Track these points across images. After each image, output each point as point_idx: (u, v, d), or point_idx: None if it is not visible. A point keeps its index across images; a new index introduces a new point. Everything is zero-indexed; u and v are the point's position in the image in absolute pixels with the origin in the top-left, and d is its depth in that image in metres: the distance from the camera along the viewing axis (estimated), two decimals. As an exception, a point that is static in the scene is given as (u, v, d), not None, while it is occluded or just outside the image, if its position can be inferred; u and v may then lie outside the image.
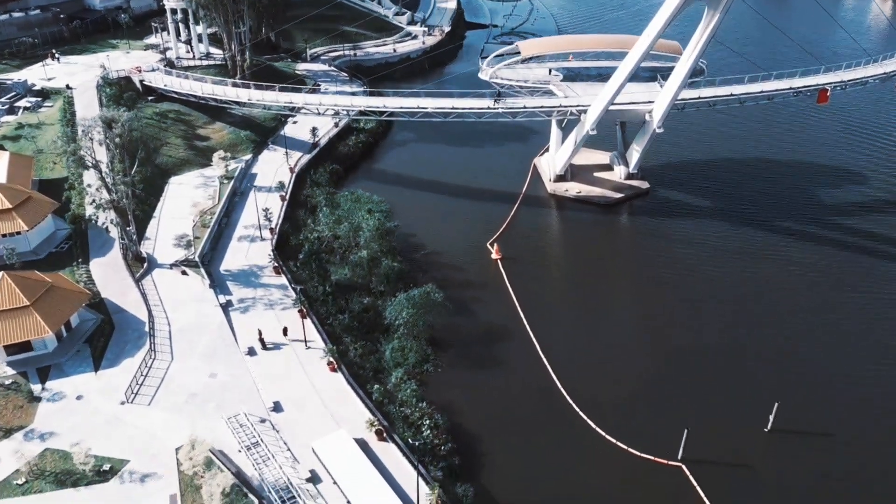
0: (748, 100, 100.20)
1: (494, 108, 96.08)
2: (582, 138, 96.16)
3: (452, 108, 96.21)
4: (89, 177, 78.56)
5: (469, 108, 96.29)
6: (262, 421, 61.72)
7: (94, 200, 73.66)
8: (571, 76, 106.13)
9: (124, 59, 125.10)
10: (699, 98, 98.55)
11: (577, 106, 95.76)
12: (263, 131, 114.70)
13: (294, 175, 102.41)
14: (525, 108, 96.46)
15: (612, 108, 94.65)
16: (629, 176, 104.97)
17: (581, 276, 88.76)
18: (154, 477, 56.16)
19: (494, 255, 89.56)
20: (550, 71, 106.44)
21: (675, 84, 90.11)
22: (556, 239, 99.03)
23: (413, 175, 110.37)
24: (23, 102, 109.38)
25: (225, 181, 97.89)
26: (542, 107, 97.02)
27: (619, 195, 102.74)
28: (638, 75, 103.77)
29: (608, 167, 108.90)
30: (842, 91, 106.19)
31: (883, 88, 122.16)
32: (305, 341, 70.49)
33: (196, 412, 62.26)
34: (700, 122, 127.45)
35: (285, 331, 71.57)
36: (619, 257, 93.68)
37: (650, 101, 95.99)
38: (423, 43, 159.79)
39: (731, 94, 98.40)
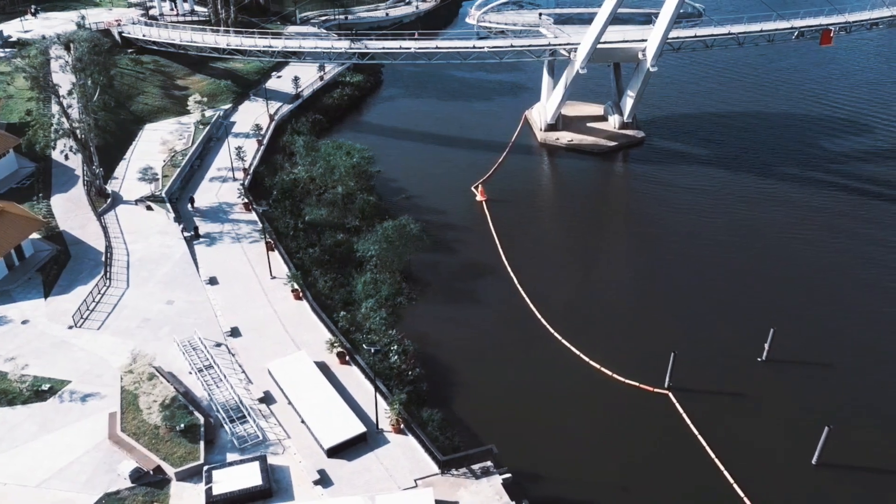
0: (747, 40, 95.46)
1: (480, 49, 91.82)
2: (572, 79, 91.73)
3: (436, 49, 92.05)
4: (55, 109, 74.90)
5: (453, 48, 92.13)
6: (218, 345, 57.74)
7: (51, 125, 69.72)
8: (563, 20, 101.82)
9: (106, 15, 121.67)
10: (695, 37, 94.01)
11: (567, 45, 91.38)
12: (245, 83, 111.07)
13: (274, 123, 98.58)
14: (512, 46, 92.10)
15: (604, 46, 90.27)
16: (623, 125, 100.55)
17: (568, 218, 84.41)
18: (96, 397, 52.24)
19: (479, 198, 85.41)
20: (541, 15, 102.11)
21: (667, 17, 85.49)
22: (544, 184, 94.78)
23: (400, 127, 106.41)
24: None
25: (201, 126, 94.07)
26: (530, 46, 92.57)
27: (612, 143, 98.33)
28: (633, 19, 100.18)
29: (602, 118, 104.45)
30: (846, 35, 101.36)
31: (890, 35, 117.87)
32: (270, 271, 66.43)
33: (148, 336, 58.36)
34: (697, 74, 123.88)
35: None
36: (609, 201, 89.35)
37: (643, 40, 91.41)
38: (417, 8, 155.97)
39: (729, 33, 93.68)
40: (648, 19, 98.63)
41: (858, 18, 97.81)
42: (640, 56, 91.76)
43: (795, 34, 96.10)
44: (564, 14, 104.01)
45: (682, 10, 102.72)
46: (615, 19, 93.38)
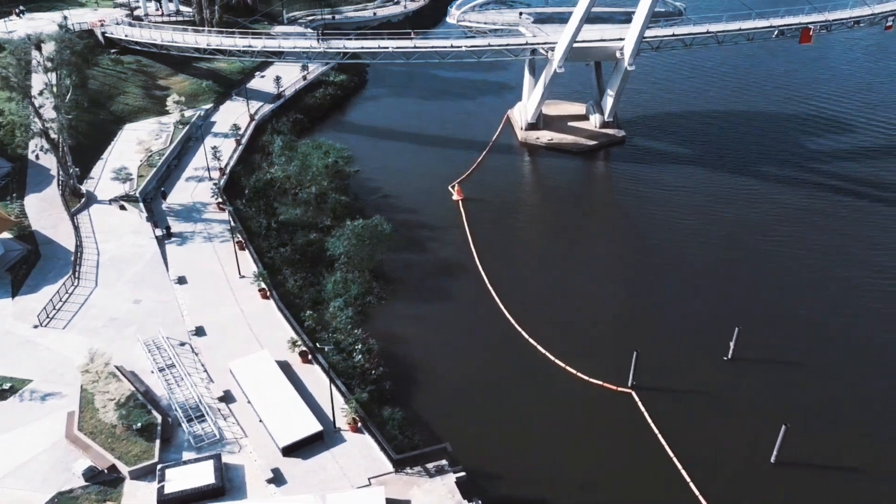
0: (726, 39, 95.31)
1: (458, 48, 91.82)
2: (550, 78, 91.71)
3: (414, 48, 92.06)
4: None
5: (431, 48, 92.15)
6: (182, 344, 57.83)
7: (21, 125, 69.93)
8: (543, 19, 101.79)
9: (91, 15, 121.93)
10: (674, 36, 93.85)
11: (545, 43, 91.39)
12: (228, 83, 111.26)
13: (254, 123, 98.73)
14: (490, 46, 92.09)
15: (583, 45, 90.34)
16: (604, 124, 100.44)
17: (543, 217, 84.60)
18: (56, 396, 52.40)
19: (455, 197, 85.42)
20: (521, 14, 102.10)
21: (642, 15, 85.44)
22: (522, 183, 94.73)
23: (383, 127, 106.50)
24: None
25: (180, 126, 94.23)
26: (508, 45, 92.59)
27: (592, 143, 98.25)
28: (613, 18, 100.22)
29: (584, 117, 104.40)
30: (827, 33, 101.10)
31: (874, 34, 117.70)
32: (239, 271, 66.52)
33: (114, 335, 58.52)
34: (682, 74, 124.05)
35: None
36: (584, 201, 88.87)
37: (621, 39, 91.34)
38: (405, 7, 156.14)
39: (707, 32, 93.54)
40: (629, 18, 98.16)
41: (839, 17, 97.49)
42: (617, 55, 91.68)
43: (775, 33, 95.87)
44: (545, 13, 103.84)
45: (662, 9, 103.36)
46: (596, 18, 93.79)
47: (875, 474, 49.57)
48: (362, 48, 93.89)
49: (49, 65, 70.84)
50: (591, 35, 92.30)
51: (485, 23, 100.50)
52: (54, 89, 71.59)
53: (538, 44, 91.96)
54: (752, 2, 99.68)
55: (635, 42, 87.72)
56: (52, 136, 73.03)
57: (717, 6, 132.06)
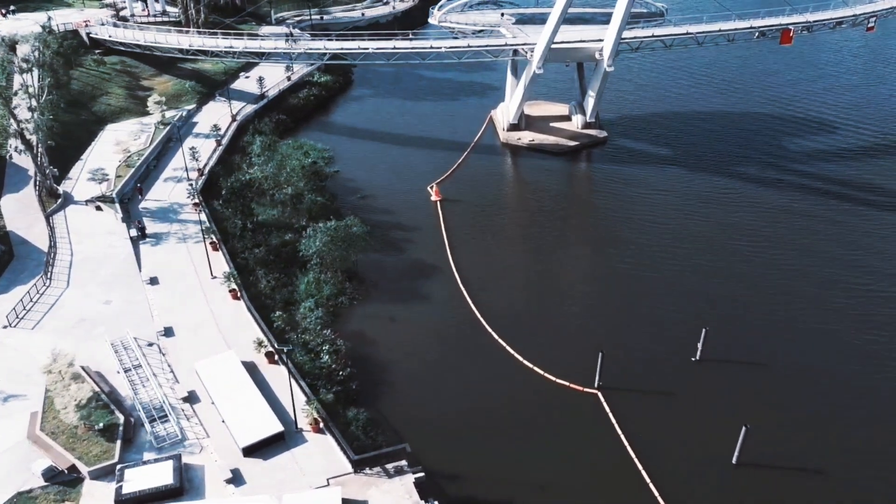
0: (706, 40, 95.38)
1: (438, 49, 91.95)
2: (530, 79, 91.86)
3: (394, 49, 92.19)
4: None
5: (411, 49, 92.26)
6: (150, 345, 57.99)
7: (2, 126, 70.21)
8: (525, 20, 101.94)
9: (77, 16, 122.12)
10: (653, 36, 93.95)
11: (524, 44, 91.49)
12: (212, 84, 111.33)
13: (236, 123, 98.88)
14: (470, 47, 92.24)
15: (562, 46, 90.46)
16: (586, 125, 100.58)
17: (519, 218, 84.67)
18: (20, 398, 52.46)
19: (434, 197, 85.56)
20: (503, 14, 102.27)
21: (619, 16, 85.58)
22: (501, 184, 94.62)
23: (366, 128, 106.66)
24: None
25: (161, 127, 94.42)
26: (487, 46, 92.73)
27: (573, 143, 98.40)
28: (595, 19, 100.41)
29: (566, 118, 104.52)
30: (808, 34, 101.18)
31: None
32: (211, 271, 66.68)
33: (83, 336, 58.62)
34: (668, 76, 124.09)
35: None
36: (562, 202, 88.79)
37: (600, 40, 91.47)
38: (394, 8, 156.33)
39: (687, 33, 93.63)
40: (609, 19, 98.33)
41: (820, 18, 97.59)
42: (596, 56, 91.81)
43: (756, 34, 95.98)
44: (526, 14, 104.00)
45: (644, 10, 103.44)
46: (578, 19, 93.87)
47: (834, 475, 49.74)
48: (343, 49, 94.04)
49: (24, 66, 70.92)
50: (572, 36, 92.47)
51: (466, 23, 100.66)
52: (29, 90, 71.69)
53: (517, 44, 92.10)
54: (736, 3, 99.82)
55: (613, 43, 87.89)
56: (28, 136, 73.14)
57: (706, 7, 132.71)
